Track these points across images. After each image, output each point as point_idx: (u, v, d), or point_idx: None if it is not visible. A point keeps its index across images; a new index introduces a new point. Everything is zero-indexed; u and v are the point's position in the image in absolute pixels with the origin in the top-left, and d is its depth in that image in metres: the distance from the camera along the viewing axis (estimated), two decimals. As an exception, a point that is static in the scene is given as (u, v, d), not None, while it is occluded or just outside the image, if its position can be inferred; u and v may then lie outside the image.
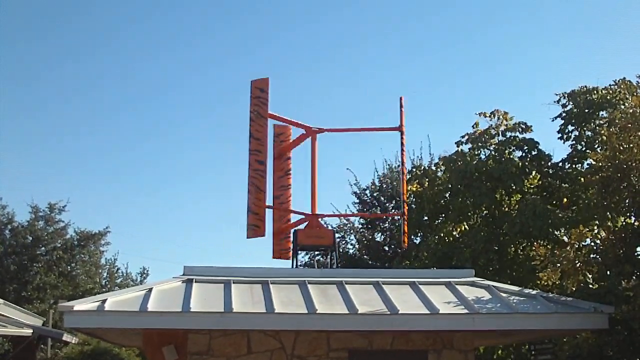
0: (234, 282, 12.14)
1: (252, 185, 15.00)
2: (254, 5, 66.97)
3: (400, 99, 16.44)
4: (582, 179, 16.95)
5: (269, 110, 15.42)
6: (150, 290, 11.55)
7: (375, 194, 29.84)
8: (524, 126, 20.48)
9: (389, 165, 30.08)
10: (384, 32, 66.10)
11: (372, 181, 30.00)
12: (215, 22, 69.78)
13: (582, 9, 60.32)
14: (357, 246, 29.52)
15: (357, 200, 30.12)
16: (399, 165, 28.70)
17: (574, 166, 19.75)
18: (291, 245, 16.29)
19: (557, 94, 20.12)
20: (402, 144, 16.32)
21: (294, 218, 16.66)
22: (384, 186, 29.73)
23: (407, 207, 17.08)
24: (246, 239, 15.14)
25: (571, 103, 19.89)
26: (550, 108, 20.47)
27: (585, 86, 19.81)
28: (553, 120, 20.20)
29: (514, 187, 19.42)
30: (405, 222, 16.60)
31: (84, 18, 65.14)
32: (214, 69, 71.50)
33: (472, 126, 20.82)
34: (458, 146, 20.79)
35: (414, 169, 23.65)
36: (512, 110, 20.77)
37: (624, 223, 13.69)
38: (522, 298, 12.38)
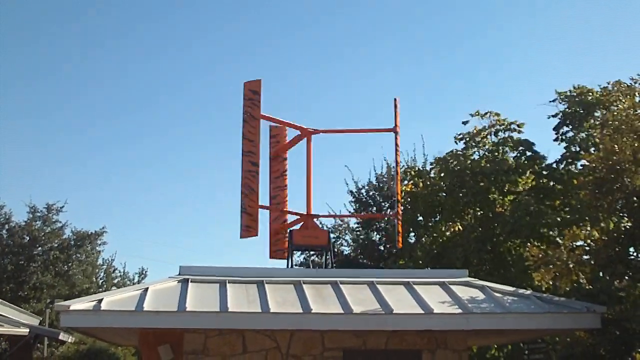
0: (229, 282, 12.20)
1: (246, 187, 15.05)
2: (251, 8, 67.05)
3: (395, 100, 16.55)
4: (576, 181, 17.04)
5: (262, 111, 15.42)
6: (146, 290, 11.61)
7: (371, 193, 29.86)
8: (517, 125, 20.61)
9: (387, 164, 30.11)
10: (380, 34, 66.21)
11: (369, 180, 30.04)
12: (212, 25, 69.85)
13: (577, 11, 60.49)
14: (352, 246, 29.58)
15: (353, 200, 30.15)
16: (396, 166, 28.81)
17: (568, 167, 19.83)
18: (287, 246, 16.34)
19: (557, 92, 20.21)
20: (396, 144, 16.43)
21: (290, 218, 16.72)
22: (381, 185, 29.76)
23: (401, 207, 17.22)
24: (240, 239, 15.23)
25: (566, 104, 19.98)
26: (546, 109, 20.60)
27: (580, 87, 19.90)
28: (549, 118, 20.32)
29: (508, 188, 19.51)
30: (400, 223, 16.66)
31: (83, 20, 65.25)
32: (212, 70, 71.60)
33: (462, 123, 20.97)
34: (456, 143, 20.94)
35: (408, 170, 23.72)
36: (508, 111, 21.10)
37: (616, 223, 13.77)
38: (515, 298, 12.46)
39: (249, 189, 14.98)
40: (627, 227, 13.29)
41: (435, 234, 20.37)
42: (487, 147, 20.42)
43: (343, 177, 41.80)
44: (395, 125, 16.34)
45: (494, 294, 12.48)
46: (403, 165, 27.93)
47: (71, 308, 10.81)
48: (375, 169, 30.31)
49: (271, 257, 16.63)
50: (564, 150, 19.91)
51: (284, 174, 17.03)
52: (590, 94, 19.60)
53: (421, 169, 23.67)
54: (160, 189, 74.18)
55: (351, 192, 30.02)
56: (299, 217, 16.11)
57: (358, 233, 29.56)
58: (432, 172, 22.11)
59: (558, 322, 12.01)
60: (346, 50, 67.53)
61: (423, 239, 21.29)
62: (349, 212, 29.59)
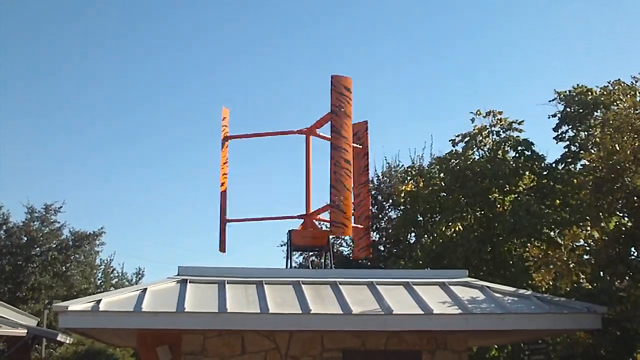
0: (228, 283, 12.13)
1: (339, 184, 14.72)
2: (251, 8, 66.99)
3: (366, 122, 16.38)
4: (576, 180, 16.98)
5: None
6: (144, 290, 11.54)
7: (373, 192, 29.77)
8: (517, 124, 20.55)
9: (388, 163, 30.04)
10: (380, 34, 66.18)
11: (371, 179, 29.92)
12: (212, 25, 69.79)
13: (577, 11, 60.49)
14: (351, 246, 29.49)
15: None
16: (398, 164, 28.80)
17: (567, 167, 19.77)
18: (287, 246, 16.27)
19: (556, 92, 20.13)
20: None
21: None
22: (382, 185, 29.68)
23: (370, 222, 16.78)
24: (330, 236, 15.38)
25: (566, 103, 19.91)
26: (546, 109, 20.53)
27: (580, 86, 19.82)
28: (549, 118, 20.25)
29: (508, 188, 19.45)
30: (368, 235, 16.44)
31: (81, 20, 65.18)
32: (212, 70, 71.54)
33: (471, 120, 20.87)
34: (453, 145, 20.82)
35: (409, 169, 23.64)
36: (508, 111, 20.88)
37: (617, 223, 13.74)
38: (515, 298, 12.39)
39: (344, 187, 14.89)
40: (628, 227, 13.27)
41: (435, 234, 20.28)
42: (487, 146, 20.34)
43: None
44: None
45: (493, 295, 12.42)
46: (402, 165, 27.94)
47: (69, 309, 10.74)
48: (375, 169, 30.26)
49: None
50: (564, 150, 19.85)
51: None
52: (590, 93, 19.53)
53: (426, 167, 23.57)
54: (160, 189, 74.22)
55: None
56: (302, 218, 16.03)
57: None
58: (434, 171, 22.03)
59: (558, 323, 11.94)
60: (346, 50, 67.57)
61: (422, 239, 21.22)
62: None
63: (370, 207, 18.20)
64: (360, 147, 16.62)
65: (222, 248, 15.68)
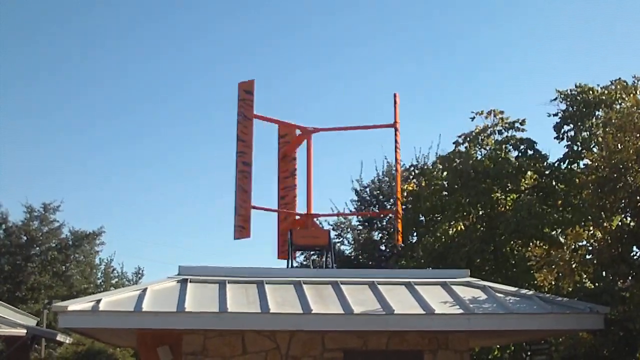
0: (229, 282, 12.08)
1: (238, 187, 14.99)
2: (250, 8, 66.97)
3: (395, 95, 16.31)
4: (578, 180, 16.91)
5: (262, 112, 15.40)
6: (144, 290, 11.48)
7: (375, 192, 29.75)
8: (520, 124, 20.45)
9: (388, 162, 30.00)
10: (380, 34, 66.17)
11: (374, 179, 29.93)
12: (211, 24, 69.78)
13: (578, 11, 60.47)
14: (353, 245, 29.46)
15: (356, 198, 30.08)
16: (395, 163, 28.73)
17: (569, 166, 19.66)
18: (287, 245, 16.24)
19: (557, 91, 20.03)
20: (396, 140, 16.21)
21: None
22: (383, 185, 29.66)
23: (401, 206, 16.92)
24: (233, 239, 15.35)
25: (567, 102, 19.79)
26: (546, 109, 20.38)
27: (581, 85, 19.71)
28: (550, 116, 20.14)
29: (510, 187, 19.36)
30: (400, 221, 16.46)
31: (81, 20, 65.16)
32: (210, 70, 71.52)
33: (470, 119, 20.80)
34: (456, 146, 20.73)
35: (412, 168, 23.54)
36: (508, 111, 20.74)
37: (619, 223, 13.67)
38: (517, 298, 12.34)
39: (241, 189, 14.96)
40: (630, 226, 13.19)
41: (438, 234, 20.18)
42: (490, 146, 20.25)
43: (344, 175, 41.74)
44: (395, 121, 16.10)
45: (495, 294, 12.37)
46: (404, 165, 27.86)
47: (69, 309, 10.68)
48: (377, 169, 30.23)
49: (279, 257, 16.60)
50: (566, 149, 19.73)
51: (294, 174, 16.84)
52: (591, 92, 19.41)
53: (424, 167, 23.49)
54: (160, 189, 74.22)
55: (355, 190, 29.97)
56: (299, 216, 16.02)
57: (359, 232, 29.43)
58: (436, 170, 21.93)
59: (561, 323, 11.90)
60: (346, 50, 67.56)
61: (423, 239, 21.12)
62: (350, 210, 29.58)
63: (401, 192, 18.09)
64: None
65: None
